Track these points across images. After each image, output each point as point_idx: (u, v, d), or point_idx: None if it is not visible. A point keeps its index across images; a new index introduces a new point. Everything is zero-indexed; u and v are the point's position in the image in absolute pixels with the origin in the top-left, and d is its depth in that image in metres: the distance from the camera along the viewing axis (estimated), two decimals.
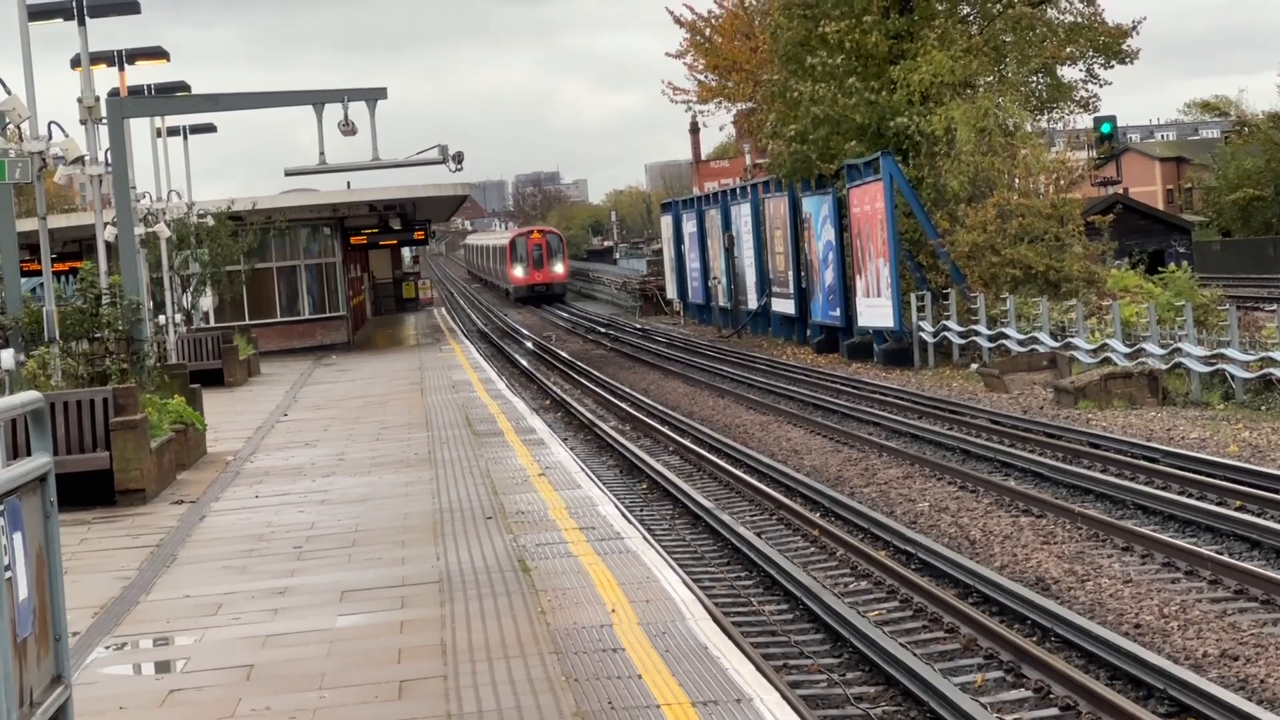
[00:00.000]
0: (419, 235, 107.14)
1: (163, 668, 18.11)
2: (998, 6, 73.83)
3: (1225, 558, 25.20)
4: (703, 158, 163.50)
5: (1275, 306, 45.92)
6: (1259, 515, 28.61)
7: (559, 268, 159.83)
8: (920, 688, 18.89)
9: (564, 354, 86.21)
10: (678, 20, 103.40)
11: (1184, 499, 30.68)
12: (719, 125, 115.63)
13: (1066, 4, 73.78)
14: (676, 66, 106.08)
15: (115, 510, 30.39)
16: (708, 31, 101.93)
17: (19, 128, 32.94)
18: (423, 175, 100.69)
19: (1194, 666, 19.43)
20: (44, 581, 8.52)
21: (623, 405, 57.67)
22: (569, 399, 61.06)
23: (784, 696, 16.31)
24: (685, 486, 36.73)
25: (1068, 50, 73.60)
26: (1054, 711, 18.27)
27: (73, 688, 8.81)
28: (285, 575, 22.32)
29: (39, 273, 43.13)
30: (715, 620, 19.26)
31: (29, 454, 8.59)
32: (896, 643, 20.91)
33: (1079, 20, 73.25)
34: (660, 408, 55.20)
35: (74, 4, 46.32)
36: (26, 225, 46.66)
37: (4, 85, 31.73)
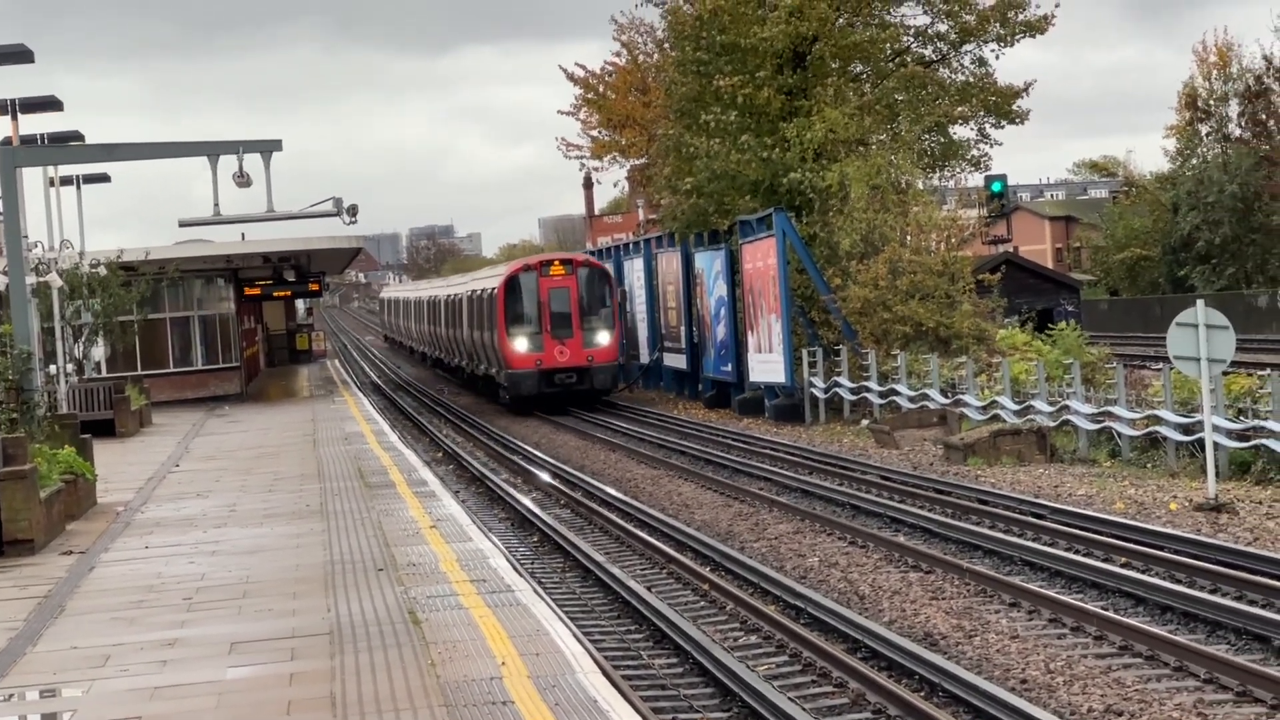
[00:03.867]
0: (313, 287, 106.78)
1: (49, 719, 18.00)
2: (890, 65, 74.27)
3: (1110, 614, 25.39)
4: (596, 213, 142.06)
5: (1161, 365, 46.30)
6: (1144, 572, 28.84)
7: (605, 336, 79.12)
8: None
9: (457, 407, 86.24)
10: (570, 77, 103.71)
11: (1071, 555, 30.89)
12: (613, 181, 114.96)
13: (959, 64, 74.34)
14: (570, 123, 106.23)
15: (3, 560, 30.18)
16: (601, 88, 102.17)
17: None
18: (317, 227, 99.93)
19: None
20: None
21: (514, 458, 57.65)
22: (461, 451, 61.02)
23: None
24: (576, 540, 36.74)
25: (960, 109, 74.14)
26: None
27: None
28: (175, 626, 22.21)
29: None
30: (605, 674, 19.30)
31: None
32: (785, 697, 20.97)
33: (971, 80, 73.78)
34: (552, 461, 55.18)
35: None
36: None
37: None
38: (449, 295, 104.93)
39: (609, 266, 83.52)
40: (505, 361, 77.58)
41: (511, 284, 77.33)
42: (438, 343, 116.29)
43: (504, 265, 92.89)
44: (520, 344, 76.35)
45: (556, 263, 78.62)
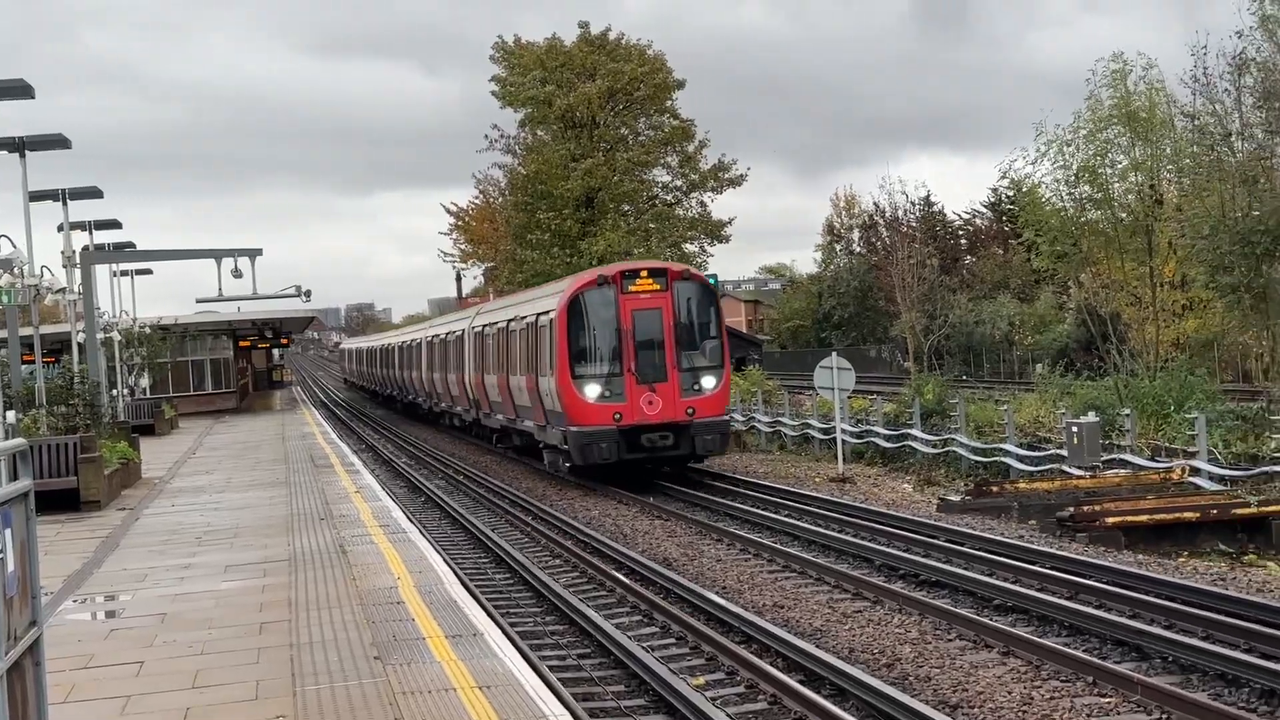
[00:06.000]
0: (284, 341, 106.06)
1: (109, 614, 17.57)
2: (647, 205, 74.77)
3: (778, 546, 25.54)
4: (463, 295, 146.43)
5: (811, 392, 46.73)
6: (799, 519, 29.10)
7: (711, 379, 37.43)
8: (587, 624, 18.94)
9: (373, 417, 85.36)
10: (448, 211, 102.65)
11: (753, 509, 31.06)
12: (474, 276, 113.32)
13: (689, 205, 74.96)
14: (447, 241, 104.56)
15: (80, 515, 29.52)
16: (466, 219, 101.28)
17: (21, 269, 32.13)
18: (286, 304, 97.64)
19: (756, 612, 19.67)
20: (25, 560, 8.35)
21: (411, 449, 57.16)
22: (377, 444, 60.38)
23: (504, 631, 16.26)
24: (449, 500, 36.46)
25: (690, 233, 74.64)
26: (673, 640, 18.38)
27: (45, 628, 8.59)
28: (190, 555, 21.81)
29: (33, 362, 42.03)
30: (463, 584, 19.15)
31: (18, 479, 8.45)
32: (577, 598, 20.95)
33: (696, 215, 74.34)
34: (435, 451, 54.76)
35: (60, 191, 45.21)
36: (26, 331, 45.39)
37: (11, 241, 30.90)
38: (433, 337, 66.77)
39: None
40: (566, 415, 37.80)
41: (577, 306, 37.90)
42: (408, 386, 78.15)
43: (559, 284, 44.39)
44: (591, 390, 37.28)
45: (644, 274, 38.23)
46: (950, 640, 17.49)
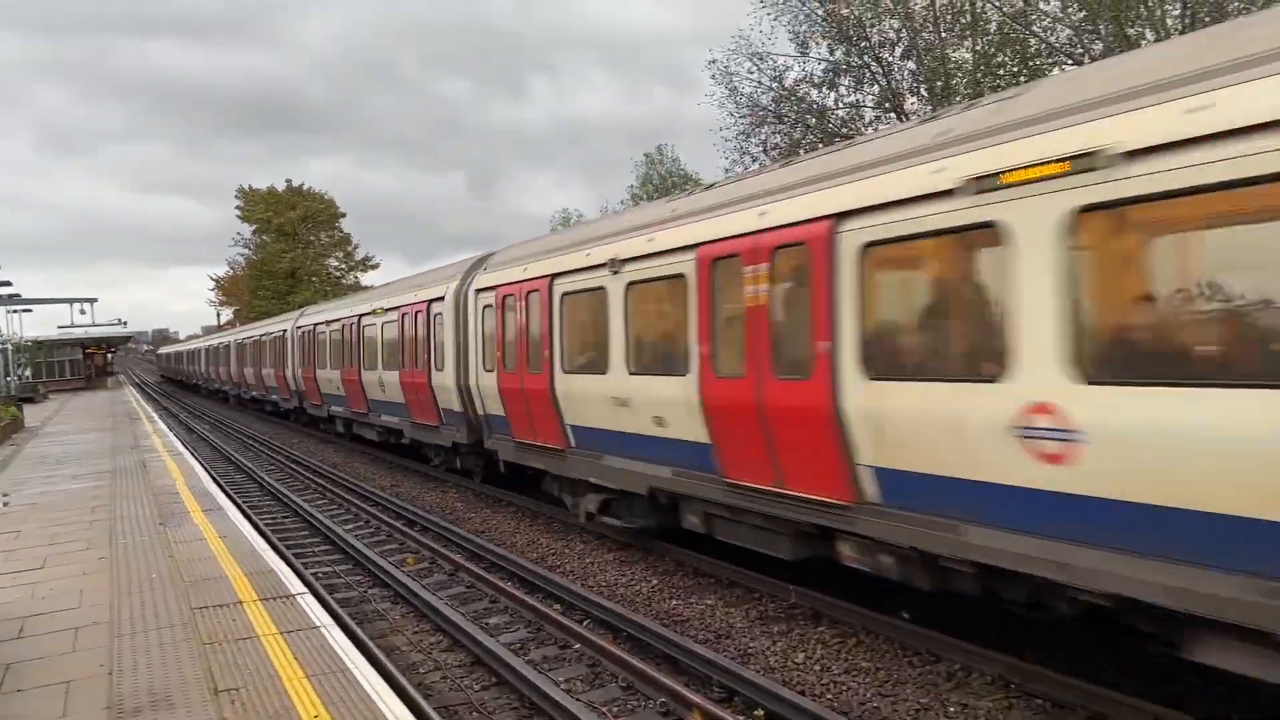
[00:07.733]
0: (114, 349, 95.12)
1: (3, 505, 16.07)
2: (326, 279, 72.41)
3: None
4: (220, 324, 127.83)
5: None
6: None
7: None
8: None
9: (170, 393, 77.60)
10: (212, 278, 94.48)
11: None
12: (225, 315, 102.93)
13: (350, 278, 73.11)
14: (211, 294, 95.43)
15: None
16: (222, 282, 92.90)
17: None
18: (113, 329, 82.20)
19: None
20: None
21: (208, 415, 52.29)
22: (170, 408, 55.09)
23: (237, 505, 15.90)
24: (212, 436, 33.64)
25: (360, 293, 71.87)
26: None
27: None
28: (53, 469, 19.92)
29: None
30: (216, 483, 18.04)
31: None
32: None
33: (353, 283, 72.06)
34: (222, 417, 50.46)
35: None
36: None
37: None
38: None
39: None
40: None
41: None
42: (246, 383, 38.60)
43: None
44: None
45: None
46: None
